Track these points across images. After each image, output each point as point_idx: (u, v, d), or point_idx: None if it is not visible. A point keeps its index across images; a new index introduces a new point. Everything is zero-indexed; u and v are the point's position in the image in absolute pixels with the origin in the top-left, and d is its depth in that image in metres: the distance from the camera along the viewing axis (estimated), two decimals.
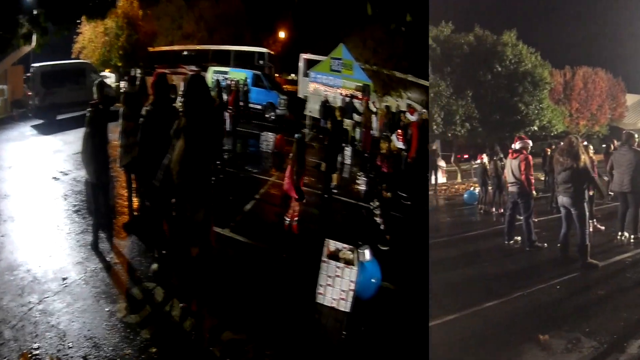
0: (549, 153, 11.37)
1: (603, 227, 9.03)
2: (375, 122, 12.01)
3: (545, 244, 7.99)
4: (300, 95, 17.03)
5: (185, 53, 19.15)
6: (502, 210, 10.58)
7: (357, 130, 11.92)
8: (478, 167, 11.53)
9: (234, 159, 11.74)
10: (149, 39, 18.74)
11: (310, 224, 8.26)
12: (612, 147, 9.31)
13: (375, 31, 17.32)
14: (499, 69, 16.40)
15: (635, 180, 7.88)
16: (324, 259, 5.86)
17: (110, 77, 16.69)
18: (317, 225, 8.56)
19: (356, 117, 12.73)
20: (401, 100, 17.43)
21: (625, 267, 7.18)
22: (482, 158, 11.30)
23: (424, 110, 16.20)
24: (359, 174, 11.96)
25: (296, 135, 7.59)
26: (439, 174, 14.61)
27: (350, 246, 6.34)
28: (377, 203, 8.83)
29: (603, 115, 18.90)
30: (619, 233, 8.29)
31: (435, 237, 9.19)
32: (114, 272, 5.72)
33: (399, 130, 8.90)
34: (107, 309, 4.91)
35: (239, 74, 16.63)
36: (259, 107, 16.91)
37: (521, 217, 8.16)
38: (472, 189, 12.59)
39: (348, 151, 12.99)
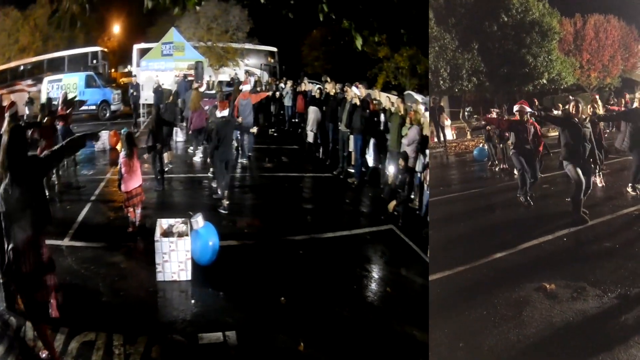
0: (560, 108, 11.25)
1: (602, 183, 9.00)
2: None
3: (532, 203, 8.10)
4: None
5: (21, 68, 18.21)
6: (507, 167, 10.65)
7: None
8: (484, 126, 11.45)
9: (70, 167, 10.93)
10: None
11: (149, 210, 8.22)
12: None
13: (209, 9, 17.89)
14: (505, 18, 15.63)
15: None
16: (157, 239, 6.06)
17: None
18: (156, 207, 8.58)
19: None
20: (239, 69, 18.05)
21: (632, 219, 7.26)
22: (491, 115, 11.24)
23: (261, 74, 17.76)
24: (191, 147, 12.21)
25: (123, 131, 7.58)
26: (447, 131, 14.61)
27: (182, 219, 6.59)
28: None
29: (615, 67, 18.35)
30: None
31: (445, 192, 9.36)
32: None
33: (222, 102, 9.03)
34: None
35: (71, 79, 16.36)
36: (93, 107, 16.57)
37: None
38: (481, 145, 12.59)
39: (179, 130, 13.19)
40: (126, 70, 21.98)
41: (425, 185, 8.12)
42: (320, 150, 12.48)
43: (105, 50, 19.53)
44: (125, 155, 7.36)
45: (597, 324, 4.55)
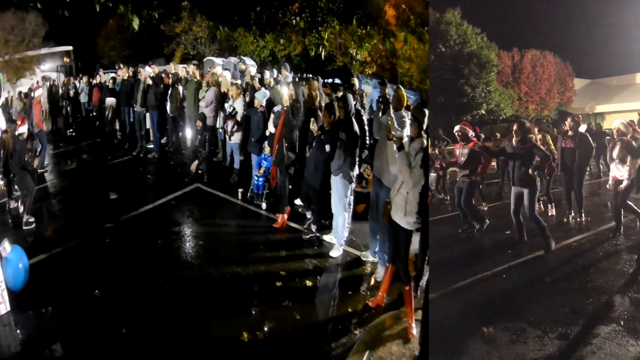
0: (498, 137, 11.18)
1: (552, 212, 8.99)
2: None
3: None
4: None
5: None
6: (448, 197, 10.33)
7: None
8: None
9: None
10: None
11: None
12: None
13: (7, 21, 17.05)
14: (443, 49, 16.11)
15: None
16: None
17: None
18: None
19: None
20: (36, 77, 17.45)
21: (572, 252, 7.07)
22: None
23: (58, 76, 17.77)
24: None
25: None
26: None
27: None
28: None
29: (552, 100, 19.03)
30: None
31: None
32: None
33: (21, 117, 8.62)
34: None
35: None
36: None
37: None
38: None
39: None
40: None
41: (226, 135, 8.64)
42: (119, 136, 13.05)
43: None
44: None
45: None
